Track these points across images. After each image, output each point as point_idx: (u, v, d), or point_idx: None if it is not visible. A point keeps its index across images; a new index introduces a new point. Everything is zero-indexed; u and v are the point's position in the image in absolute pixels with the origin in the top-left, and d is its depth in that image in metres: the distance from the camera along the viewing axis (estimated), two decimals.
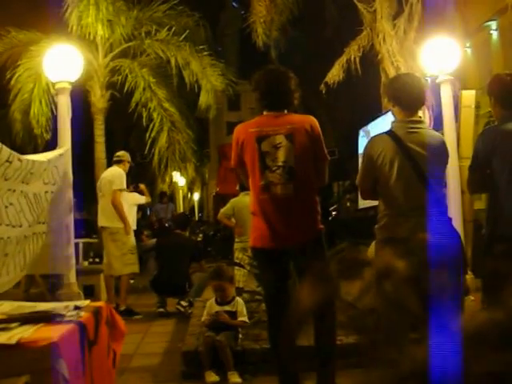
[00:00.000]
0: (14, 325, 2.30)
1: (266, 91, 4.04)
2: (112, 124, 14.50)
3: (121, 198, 7.95)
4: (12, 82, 11.52)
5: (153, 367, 5.27)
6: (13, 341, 2.11)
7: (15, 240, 4.56)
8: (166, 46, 11.96)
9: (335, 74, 9.10)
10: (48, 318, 2.46)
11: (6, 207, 4.28)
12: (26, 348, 2.11)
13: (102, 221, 8.09)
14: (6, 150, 4.14)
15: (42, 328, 2.31)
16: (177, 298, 7.87)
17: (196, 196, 35.55)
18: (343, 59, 9.05)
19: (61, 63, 5.89)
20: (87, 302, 3.07)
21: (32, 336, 2.18)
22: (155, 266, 8.70)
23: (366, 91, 11.72)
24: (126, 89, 12.04)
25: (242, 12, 18.36)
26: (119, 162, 8.35)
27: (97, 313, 2.83)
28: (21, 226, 4.62)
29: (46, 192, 5.30)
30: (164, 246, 8.35)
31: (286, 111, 4.01)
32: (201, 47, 12.18)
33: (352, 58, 8.91)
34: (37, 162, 4.81)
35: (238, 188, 8.28)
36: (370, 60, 8.95)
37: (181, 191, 25.30)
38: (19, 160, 4.42)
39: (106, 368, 2.94)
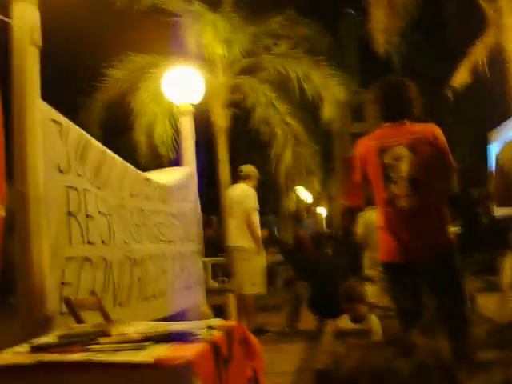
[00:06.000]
0: (148, 343, 2.36)
1: (384, 103, 3.97)
2: (235, 142, 14.66)
3: (254, 218, 7.81)
4: (134, 104, 11.82)
5: None
6: (150, 359, 2.14)
7: (170, 256, 4.74)
8: (284, 60, 11.85)
9: (461, 76, 8.75)
10: (182, 337, 2.49)
11: (157, 226, 4.49)
12: (162, 367, 2.11)
13: (232, 240, 7.94)
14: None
15: (176, 347, 2.34)
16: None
17: (322, 211, 35.14)
18: (468, 60, 8.69)
19: (182, 85, 5.90)
20: (219, 321, 3.11)
21: (167, 355, 2.21)
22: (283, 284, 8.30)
23: (496, 93, 11.16)
24: (247, 106, 12.07)
25: (360, 19, 18.04)
26: (246, 177, 8.07)
27: (229, 332, 2.85)
28: (175, 242, 4.85)
29: (190, 209, 5.48)
30: (320, 268, 7.91)
31: (406, 121, 3.91)
32: (320, 58, 11.98)
33: (478, 59, 8.53)
34: (168, 182, 5.04)
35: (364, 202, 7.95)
36: (498, 59, 8.53)
37: None
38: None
39: None
